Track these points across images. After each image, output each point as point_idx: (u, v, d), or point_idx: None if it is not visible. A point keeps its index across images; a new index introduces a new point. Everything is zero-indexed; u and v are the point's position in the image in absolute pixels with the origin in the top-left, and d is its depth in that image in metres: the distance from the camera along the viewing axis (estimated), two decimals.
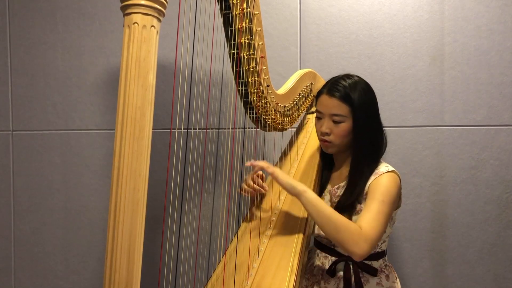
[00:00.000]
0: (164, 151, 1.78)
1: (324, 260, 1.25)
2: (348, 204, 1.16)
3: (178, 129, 1.06)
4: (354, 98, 1.15)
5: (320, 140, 1.23)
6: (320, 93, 1.22)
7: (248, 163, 1.14)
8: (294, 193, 1.09)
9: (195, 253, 1.60)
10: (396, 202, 1.15)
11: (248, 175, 1.24)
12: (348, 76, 1.21)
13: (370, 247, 1.04)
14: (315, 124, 1.25)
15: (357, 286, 1.18)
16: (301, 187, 1.09)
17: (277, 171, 1.12)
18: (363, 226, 1.05)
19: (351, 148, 1.22)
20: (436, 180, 1.67)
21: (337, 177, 1.29)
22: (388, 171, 1.15)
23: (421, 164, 1.67)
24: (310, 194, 1.08)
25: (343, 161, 1.27)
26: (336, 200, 1.22)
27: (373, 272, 1.20)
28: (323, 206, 1.07)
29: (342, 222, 1.05)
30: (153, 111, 0.72)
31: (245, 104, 1.20)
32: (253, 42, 1.11)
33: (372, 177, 1.16)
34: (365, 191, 1.15)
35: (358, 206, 1.16)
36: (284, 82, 1.38)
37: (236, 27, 1.06)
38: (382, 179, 1.14)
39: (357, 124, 1.17)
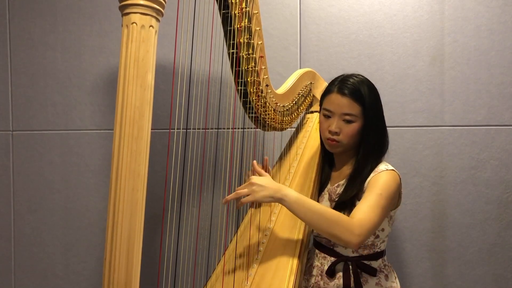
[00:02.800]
0: (163, 151, 1.78)
1: (323, 261, 1.24)
2: (348, 201, 1.16)
3: (177, 129, 1.06)
4: (366, 98, 1.15)
5: (327, 139, 1.21)
6: (329, 91, 1.20)
7: (224, 201, 1.07)
8: (276, 201, 1.06)
9: (194, 253, 1.60)
10: (393, 198, 1.15)
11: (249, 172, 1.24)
12: (354, 75, 1.21)
13: (364, 234, 1.03)
14: (321, 123, 1.23)
15: (356, 286, 1.18)
16: (279, 194, 1.04)
17: (253, 196, 1.04)
18: (356, 215, 1.05)
19: (358, 147, 1.22)
20: (436, 180, 1.67)
21: (337, 176, 1.29)
22: (387, 169, 1.16)
23: (421, 164, 1.67)
24: (291, 196, 1.04)
25: (344, 160, 1.27)
26: (336, 198, 1.22)
27: (372, 272, 1.19)
28: (309, 204, 1.04)
29: (332, 214, 1.04)
30: (152, 111, 0.72)
31: (244, 103, 1.20)
32: (252, 41, 1.11)
33: (372, 174, 1.16)
34: (364, 188, 1.16)
35: (357, 203, 1.16)
36: (284, 82, 1.38)
37: (235, 26, 1.06)
38: (381, 175, 1.14)
39: (368, 124, 1.17)
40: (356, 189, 1.16)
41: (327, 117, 1.20)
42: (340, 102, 1.16)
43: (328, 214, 1.04)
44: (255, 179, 1.06)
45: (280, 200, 1.04)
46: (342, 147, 1.21)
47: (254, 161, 1.16)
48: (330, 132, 1.19)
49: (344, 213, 1.16)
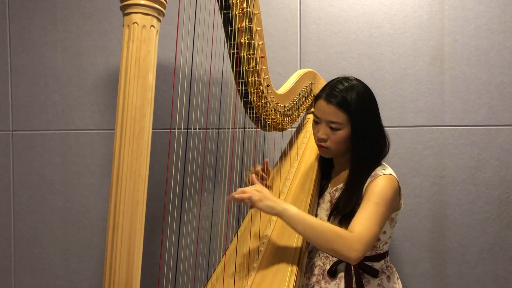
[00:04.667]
0: (164, 151, 1.78)
1: (325, 260, 1.24)
2: (349, 211, 1.15)
3: (178, 129, 1.06)
4: (352, 105, 1.12)
5: (317, 144, 1.22)
6: (318, 97, 1.19)
7: (228, 197, 1.09)
8: (274, 214, 1.07)
9: (195, 253, 1.60)
10: (392, 203, 1.13)
11: (249, 171, 1.24)
12: (346, 80, 1.18)
13: (364, 248, 1.03)
14: (313, 127, 1.23)
15: (358, 287, 1.17)
16: (279, 206, 1.05)
17: (253, 197, 1.05)
18: (355, 229, 1.04)
19: (350, 153, 1.21)
20: (436, 180, 1.67)
21: (337, 178, 1.28)
22: (384, 174, 1.14)
23: (421, 164, 1.67)
24: (291, 211, 1.05)
25: (342, 163, 1.26)
26: (335, 202, 1.21)
27: (374, 273, 1.19)
28: (308, 219, 1.04)
29: (331, 230, 1.03)
30: (153, 111, 0.71)
31: (245, 104, 1.20)
32: (253, 41, 1.11)
33: (369, 180, 1.15)
34: (362, 194, 1.15)
35: (357, 209, 1.15)
36: (284, 82, 1.38)
37: (236, 26, 1.06)
38: (377, 181, 1.12)
39: (356, 132, 1.14)
40: (354, 199, 1.15)
41: (316, 122, 1.20)
42: (326, 110, 1.15)
43: (326, 230, 1.03)
44: (259, 187, 1.09)
45: (280, 213, 1.05)
46: (332, 152, 1.20)
47: (253, 175, 1.17)
48: (318, 138, 1.19)
49: (346, 223, 1.15)
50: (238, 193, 1.07)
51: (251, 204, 1.08)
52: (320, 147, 1.21)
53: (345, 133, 1.15)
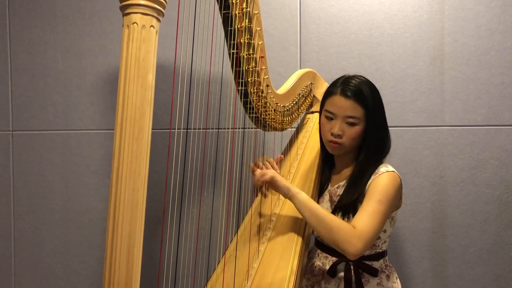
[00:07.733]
0: (163, 151, 1.78)
1: (325, 260, 1.25)
2: (350, 204, 1.16)
3: (177, 129, 1.06)
4: (369, 100, 1.14)
5: (329, 141, 1.19)
6: (331, 93, 1.19)
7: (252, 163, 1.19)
8: (288, 196, 1.12)
9: (195, 253, 1.60)
10: (394, 201, 1.14)
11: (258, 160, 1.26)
12: (356, 76, 1.19)
13: (364, 245, 1.04)
14: (323, 125, 1.21)
15: (358, 287, 1.18)
16: (294, 189, 1.12)
17: (276, 176, 1.14)
18: (357, 225, 1.06)
19: (358, 149, 1.21)
20: (436, 180, 1.67)
21: (337, 177, 1.28)
22: (387, 171, 1.15)
23: (421, 164, 1.67)
24: (303, 196, 1.11)
25: (344, 162, 1.26)
26: (336, 200, 1.22)
27: (374, 272, 1.19)
28: (316, 208, 1.08)
29: (335, 222, 1.06)
30: (153, 111, 0.71)
31: (245, 104, 1.20)
32: (252, 41, 1.11)
33: (372, 177, 1.16)
34: (365, 191, 1.15)
35: (359, 206, 1.16)
36: (284, 82, 1.38)
37: (236, 26, 1.07)
38: (380, 178, 1.14)
39: (369, 127, 1.16)
40: (357, 192, 1.16)
41: (330, 119, 1.19)
42: (344, 105, 1.15)
43: (330, 221, 1.06)
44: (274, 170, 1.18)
45: (293, 196, 1.11)
46: (344, 149, 1.20)
47: (271, 159, 1.26)
48: (332, 134, 1.18)
49: (348, 217, 1.16)
50: (259, 176, 1.15)
51: (268, 184, 1.16)
52: (333, 143, 1.19)
53: (360, 129, 1.16)
